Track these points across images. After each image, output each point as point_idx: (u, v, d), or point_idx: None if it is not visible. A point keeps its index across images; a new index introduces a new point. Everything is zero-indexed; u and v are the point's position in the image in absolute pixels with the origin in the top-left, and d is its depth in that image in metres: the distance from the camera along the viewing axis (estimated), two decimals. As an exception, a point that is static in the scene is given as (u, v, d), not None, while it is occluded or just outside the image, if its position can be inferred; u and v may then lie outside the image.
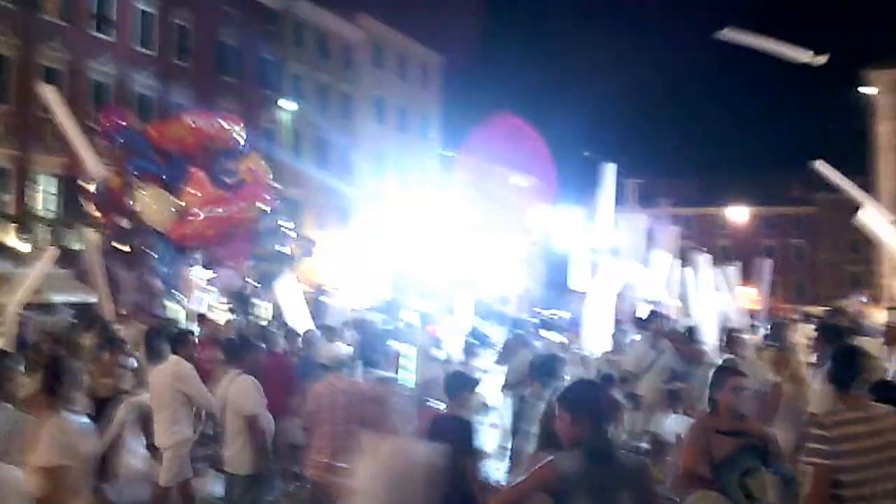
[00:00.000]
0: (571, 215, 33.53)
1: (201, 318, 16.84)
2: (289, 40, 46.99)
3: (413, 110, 57.84)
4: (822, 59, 19.46)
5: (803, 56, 19.32)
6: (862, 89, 40.04)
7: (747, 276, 32.53)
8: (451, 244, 21.89)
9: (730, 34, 17.49)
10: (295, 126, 46.05)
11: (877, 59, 39.90)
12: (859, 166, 47.92)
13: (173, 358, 9.54)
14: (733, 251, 60.15)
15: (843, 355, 5.87)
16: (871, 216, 22.18)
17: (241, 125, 19.19)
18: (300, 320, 15.90)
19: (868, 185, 42.65)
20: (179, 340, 9.91)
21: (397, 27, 55.74)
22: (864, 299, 30.51)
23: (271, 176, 19.49)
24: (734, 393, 6.17)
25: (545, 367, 8.57)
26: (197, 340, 11.89)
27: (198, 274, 18.83)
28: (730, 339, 11.94)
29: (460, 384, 7.92)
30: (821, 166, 20.12)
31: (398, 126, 56.03)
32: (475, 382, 8.84)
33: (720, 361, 10.68)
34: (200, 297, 18.79)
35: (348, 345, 13.19)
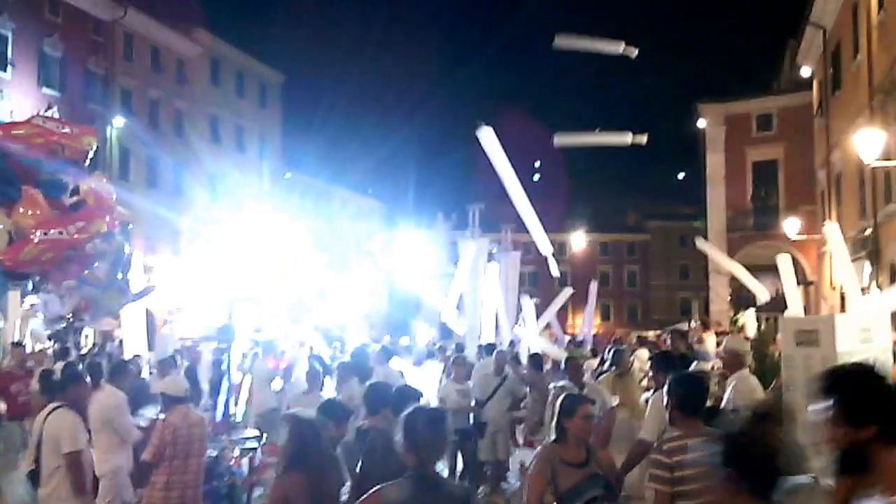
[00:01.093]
0: (414, 238, 33.47)
1: (15, 347, 15.86)
2: (118, 53, 45.25)
3: (251, 130, 56.60)
4: (642, 139, 20.49)
5: (627, 139, 20.35)
6: (696, 122, 41.25)
7: (583, 301, 33.02)
8: (289, 269, 21.32)
9: (561, 139, 17.98)
10: (123, 144, 44.03)
11: (708, 93, 41.33)
12: (694, 194, 49.34)
13: (108, 388, 9.42)
14: (571, 277, 61.09)
15: (686, 382, 6.02)
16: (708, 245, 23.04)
17: (94, 137, 18.02)
18: (138, 349, 15.19)
19: (701, 213, 43.96)
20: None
21: (235, 43, 54.58)
22: (696, 324, 31.27)
23: (115, 197, 18.36)
24: (584, 421, 6.15)
25: (377, 397, 8.11)
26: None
27: (19, 299, 17.74)
28: (569, 364, 11.84)
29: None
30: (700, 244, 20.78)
31: (235, 146, 54.69)
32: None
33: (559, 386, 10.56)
34: (18, 324, 17.75)
35: (183, 375, 12.68)
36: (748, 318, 25.26)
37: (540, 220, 17.83)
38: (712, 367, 16.45)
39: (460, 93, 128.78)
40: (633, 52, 20.40)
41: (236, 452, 11.84)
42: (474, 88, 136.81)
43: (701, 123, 40.95)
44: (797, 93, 37.09)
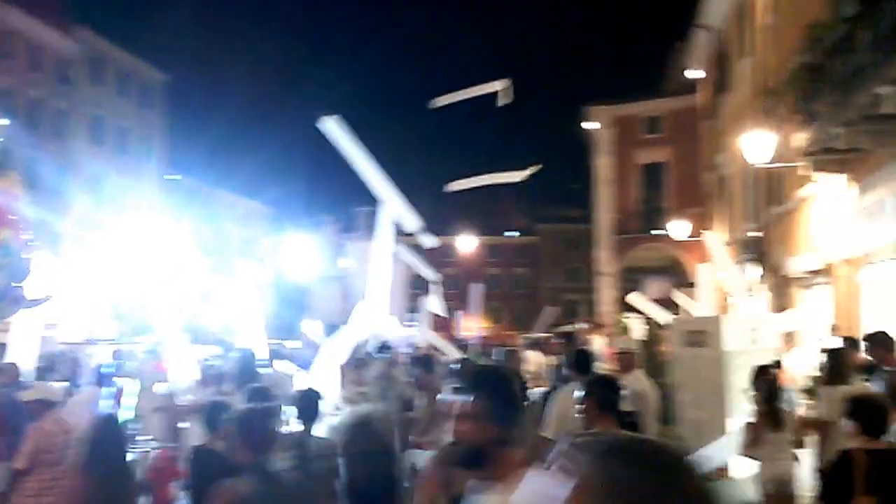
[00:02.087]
0: (302, 242, 33.17)
1: None
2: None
3: (134, 131, 55.30)
4: (529, 172, 20.96)
5: (518, 176, 20.74)
6: (585, 124, 41.60)
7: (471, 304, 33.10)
8: (175, 273, 20.88)
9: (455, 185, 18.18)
10: (1, 144, 42.52)
11: (598, 95, 41.70)
12: (582, 196, 49.84)
13: None
14: (460, 280, 61.12)
15: (607, 383, 6.33)
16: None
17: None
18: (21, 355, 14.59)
19: (589, 216, 44.43)
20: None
21: (117, 42, 53.24)
22: (586, 326, 31.59)
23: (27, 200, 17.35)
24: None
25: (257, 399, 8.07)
26: None
27: None
28: (464, 366, 11.75)
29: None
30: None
31: (117, 147, 53.36)
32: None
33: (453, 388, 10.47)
34: None
35: (63, 380, 12.35)
36: (634, 321, 25.63)
37: (428, 222, 17.98)
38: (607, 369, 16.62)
39: (348, 94, 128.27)
40: (509, 91, 21.01)
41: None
42: (359, 88, 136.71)
43: (590, 126, 41.31)
44: (685, 95, 37.58)
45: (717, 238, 19.28)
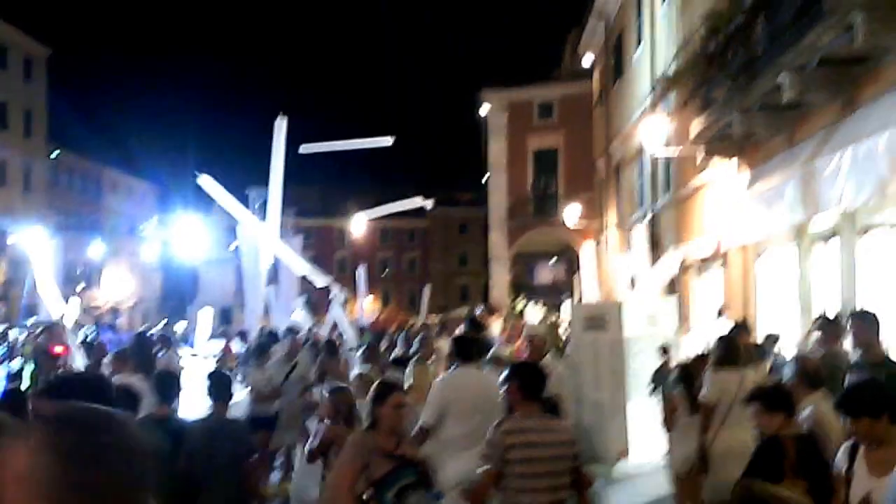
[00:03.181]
0: (190, 223, 32.47)
1: None
2: None
3: (14, 105, 53.47)
4: (387, 141, 21.12)
5: (376, 143, 20.86)
6: (480, 108, 41.59)
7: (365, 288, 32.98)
8: (56, 253, 20.31)
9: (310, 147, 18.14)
10: None
11: (492, 80, 41.66)
12: (475, 180, 49.92)
13: None
14: (351, 263, 60.90)
15: (529, 369, 6.33)
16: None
17: None
18: None
19: (482, 200, 44.51)
20: None
21: (-1, 14, 51.23)
22: (481, 310, 31.65)
23: None
24: (396, 409, 6.11)
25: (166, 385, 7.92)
26: None
27: None
28: (369, 350, 11.67)
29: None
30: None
31: (-2, 121, 51.55)
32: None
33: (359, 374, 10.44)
34: None
35: None
36: (530, 308, 25.80)
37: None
38: (510, 353, 16.66)
39: (245, 72, 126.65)
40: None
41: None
42: (261, 70, 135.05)
43: (483, 110, 41.33)
44: (579, 81, 37.84)
45: (591, 250, 19.73)
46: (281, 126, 20.78)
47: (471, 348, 8.62)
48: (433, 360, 12.27)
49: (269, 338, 15.21)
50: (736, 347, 9.31)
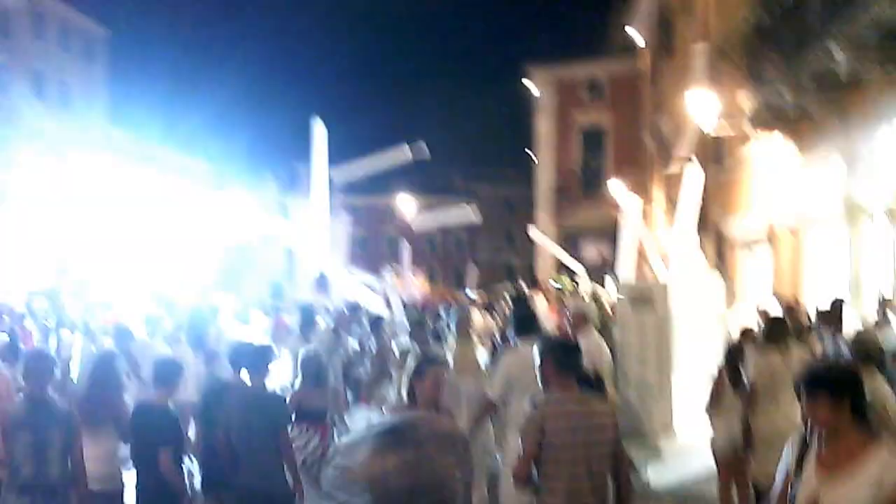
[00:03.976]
0: (244, 199, 32.78)
1: None
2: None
3: (76, 85, 54.07)
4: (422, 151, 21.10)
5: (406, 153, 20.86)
6: (528, 84, 41.43)
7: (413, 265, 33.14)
8: (120, 229, 20.65)
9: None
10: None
11: (540, 56, 41.46)
12: (521, 159, 49.76)
13: None
14: (399, 241, 61.05)
15: (564, 346, 6.14)
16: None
17: None
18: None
19: (530, 179, 44.41)
20: None
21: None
22: (526, 287, 31.66)
23: None
24: (435, 385, 5.95)
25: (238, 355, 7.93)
26: None
27: None
28: (413, 327, 11.72)
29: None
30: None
31: (60, 102, 51.97)
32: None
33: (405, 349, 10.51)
34: None
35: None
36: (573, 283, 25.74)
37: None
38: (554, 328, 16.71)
39: (291, 50, 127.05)
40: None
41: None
42: (305, 46, 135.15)
43: (531, 87, 41.19)
44: (627, 58, 37.50)
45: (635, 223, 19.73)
46: (316, 129, 20.89)
47: (531, 324, 8.64)
48: (478, 335, 12.26)
49: (309, 312, 15.26)
50: (782, 325, 9.19)
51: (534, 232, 25.24)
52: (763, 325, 9.52)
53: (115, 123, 56.36)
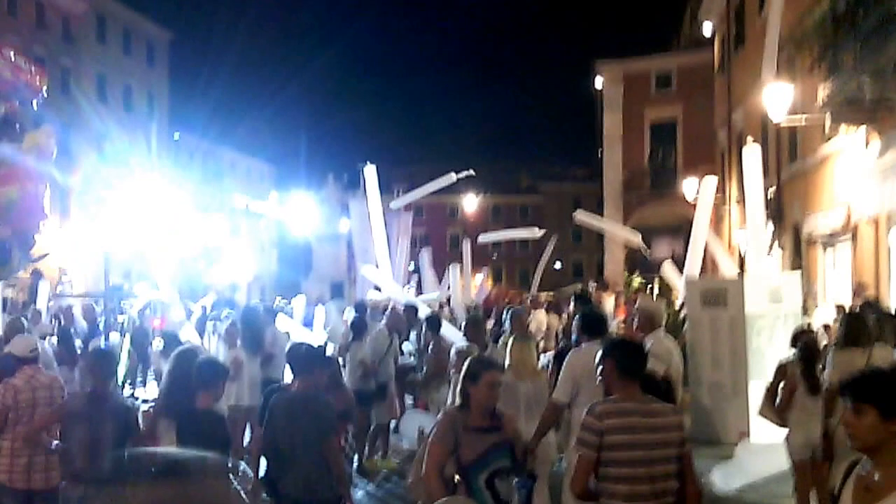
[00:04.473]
0: (304, 200, 32.75)
1: None
2: (1, 10, 43.24)
3: (138, 89, 54.88)
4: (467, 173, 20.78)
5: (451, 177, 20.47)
6: (591, 81, 40.95)
7: (476, 265, 32.74)
8: (178, 230, 20.54)
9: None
10: (6, 102, 42.24)
11: (606, 51, 41.03)
12: (588, 155, 49.21)
13: None
14: (463, 240, 60.77)
15: (627, 346, 5.72)
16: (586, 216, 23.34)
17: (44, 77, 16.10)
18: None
19: (598, 176, 43.81)
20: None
21: (122, 1, 52.74)
22: (595, 286, 31.13)
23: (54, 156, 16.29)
24: (490, 388, 5.72)
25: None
26: None
27: None
28: (469, 326, 11.27)
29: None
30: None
31: (122, 105, 52.85)
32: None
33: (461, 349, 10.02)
34: None
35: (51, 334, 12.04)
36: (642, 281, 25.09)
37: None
38: (618, 328, 16.16)
39: (350, 51, 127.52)
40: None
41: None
42: (364, 47, 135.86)
43: (598, 82, 40.62)
44: (697, 51, 36.81)
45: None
46: (369, 174, 20.68)
47: (599, 324, 8.26)
48: (541, 336, 11.83)
49: (362, 312, 14.87)
50: (862, 325, 8.75)
51: (581, 215, 24.61)
52: (842, 323, 8.91)
53: (176, 126, 56.90)
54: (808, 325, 10.52)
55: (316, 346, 8.39)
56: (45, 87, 15.33)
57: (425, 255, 26.25)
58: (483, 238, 34.29)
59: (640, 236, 24.68)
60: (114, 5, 52.27)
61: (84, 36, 49.74)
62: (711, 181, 20.11)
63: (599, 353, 5.64)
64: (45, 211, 15.05)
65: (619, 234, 30.15)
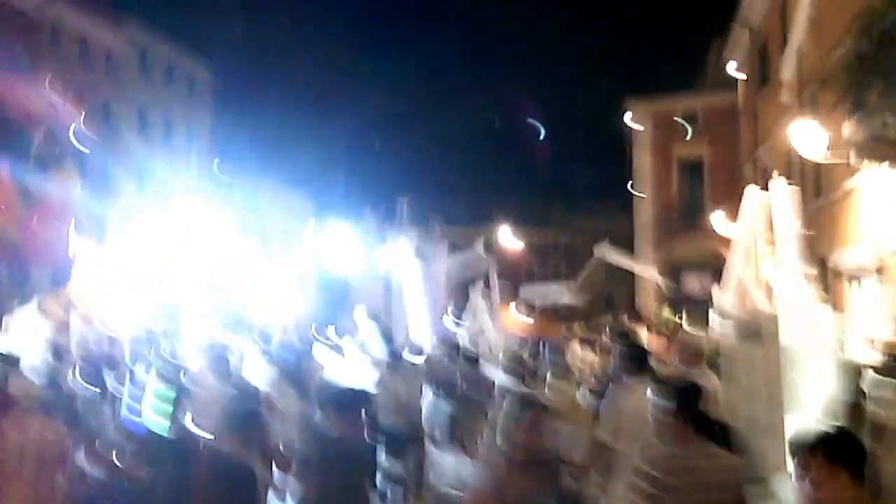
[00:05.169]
0: (345, 234, 33.08)
1: None
2: (45, 44, 44.08)
3: (179, 123, 56.01)
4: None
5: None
6: (625, 120, 41.40)
7: (511, 298, 33.01)
8: (221, 265, 20.88)
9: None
10: (50, 134, 43.04)
11: (633, 91, 41.50)
12: (620, 190, 49.49)
13: None
14: (499, 275, 60.96)
15: (688, 388, 5.58)
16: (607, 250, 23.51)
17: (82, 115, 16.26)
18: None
19: (629, 212, 44.13)
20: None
21: (164, 36, 53.89)
22: (626, 318, 31.30)
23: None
24: (535, 430, 5.63)
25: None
26: None
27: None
28: (512, 364, 11.34)
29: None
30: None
31: (163, 138, 53.94)
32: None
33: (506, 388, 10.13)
34: None
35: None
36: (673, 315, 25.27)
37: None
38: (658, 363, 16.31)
39: (388, 84, 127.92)
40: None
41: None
42: (402, 80, 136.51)
43: (628, 121, 41.10)
44: (724, 91, 37.24)
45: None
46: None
47: (642, 361, 8.28)
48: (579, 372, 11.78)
49: (393, 345, 14.88)
50: None
51: (600, 250, 24.71)
52: (884, 357, 8.88)
53: (217, 159, 57.69)
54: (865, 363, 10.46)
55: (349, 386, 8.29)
56: (82, 117, 15.61)
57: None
58: (524, 296, 33.85)
59: (657, 270, 24.95)
60: (155, 41, 53.36)
61: (126, 70, 50.79)
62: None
63: (656, 395, 5.47)
64: (72, 242, 15.33)
65: (635, 268, 30.39)
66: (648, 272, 28.00)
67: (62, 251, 15.43)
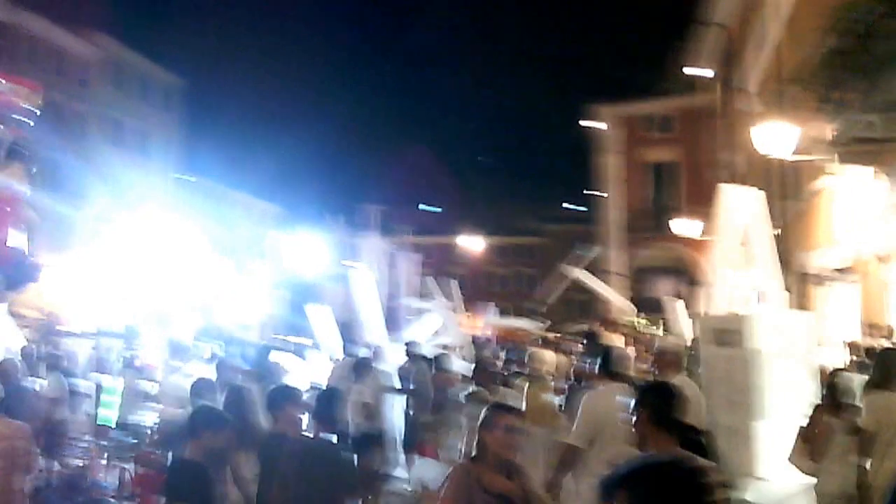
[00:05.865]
0: (311, 240, 32.88)
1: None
2: (19, 56, 43.67)
3: (152, 133, 56.07)
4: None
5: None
6: (590, 123, 41.38)
7: (478, 300, 32.88)
8: (190, 271, 20.69)
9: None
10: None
11: (604, 93, 41.56)
12: (589, 198, 49.50)
13: None
14: (467, 280, 60.85)
15: (664, 393, 5.27)
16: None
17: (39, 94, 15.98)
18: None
19: (598, 217, 44.05)
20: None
21: (137, 48, 54.06)
22: (599, 325, 31.15)
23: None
24: (507, 434, 5.30)
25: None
26: None
27: None
28: (479, 368, 11.21)
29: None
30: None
31: (137, 149, 53.80)
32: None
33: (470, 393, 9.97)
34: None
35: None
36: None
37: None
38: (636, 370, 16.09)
39: (358, 96, 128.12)
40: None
41: (104, 462, 11.08)
42: (372, 92, 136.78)
43: (595, 125, 41.04)
44: (693, 93, 37.26)
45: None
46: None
47: (616, 364, 7.96)
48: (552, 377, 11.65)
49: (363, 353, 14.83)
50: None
51: (566, 269, 24.64)
52: (877, 363, 8.55)
53: (189, 169, 57.80)
54: (844, 365, 10.25)
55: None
56: (38, 107, 15.33)
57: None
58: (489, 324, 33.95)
59: (627, 298, 24.98)
60: (128, 53, 53.41)
61: (100, 83, 50.79)
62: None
63: (627, 398, 5.30)
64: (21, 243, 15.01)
65: (605, 293, 30.42)
66: (617, 298, 27.88)
67: (14, 253, 15.05)
